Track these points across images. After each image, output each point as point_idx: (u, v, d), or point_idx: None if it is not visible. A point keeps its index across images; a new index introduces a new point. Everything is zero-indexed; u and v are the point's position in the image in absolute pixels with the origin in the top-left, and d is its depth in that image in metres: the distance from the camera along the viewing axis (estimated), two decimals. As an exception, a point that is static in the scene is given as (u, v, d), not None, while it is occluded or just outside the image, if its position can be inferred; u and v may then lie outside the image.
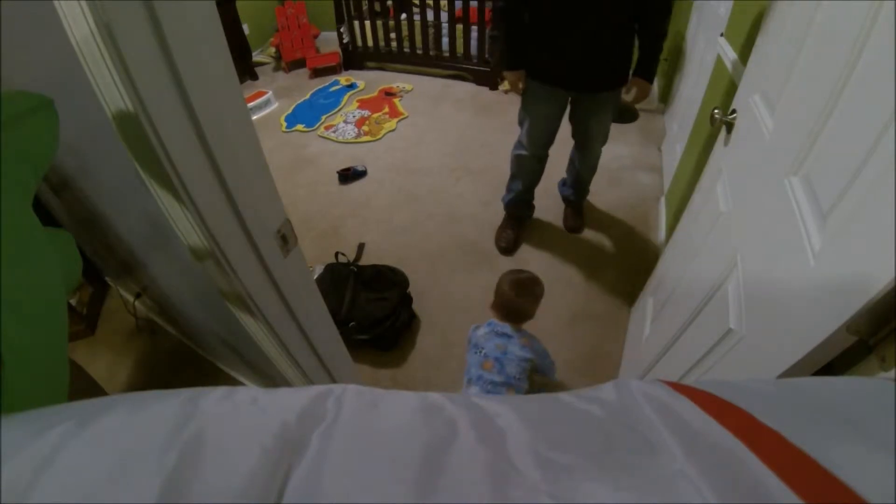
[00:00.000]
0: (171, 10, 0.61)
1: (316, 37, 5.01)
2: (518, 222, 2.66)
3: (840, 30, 0.75)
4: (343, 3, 4.50)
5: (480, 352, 1.60)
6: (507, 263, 2.48)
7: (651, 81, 1.98)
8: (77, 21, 0.58)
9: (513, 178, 2.49)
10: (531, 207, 2.68)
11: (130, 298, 2.08)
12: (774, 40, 1.05)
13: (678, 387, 0.34)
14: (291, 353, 1.20)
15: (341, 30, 4.65)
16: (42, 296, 0.67)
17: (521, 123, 2.27)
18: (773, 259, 0.85)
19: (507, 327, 1.65)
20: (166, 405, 0.29)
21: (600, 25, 1.76)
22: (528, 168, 2.39)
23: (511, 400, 0.35)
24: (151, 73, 0.63)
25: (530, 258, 2.53)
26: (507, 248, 2.57)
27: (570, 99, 2.10)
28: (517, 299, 1.66)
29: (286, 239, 1.03)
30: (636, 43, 1.91)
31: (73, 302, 2.17)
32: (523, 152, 2.33)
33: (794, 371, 0.69)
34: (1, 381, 0.57)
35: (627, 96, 2.08)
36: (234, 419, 0.30)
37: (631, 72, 1.98)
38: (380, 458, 0.27)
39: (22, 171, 0.66)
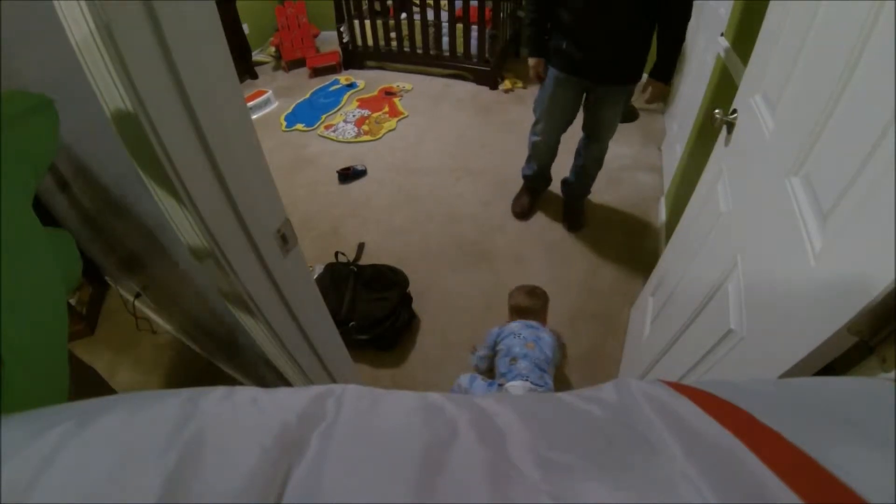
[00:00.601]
0: (171, 10, 0.61)
1: (316, 36, 5.00)
2: (534, 192, 2.85)
3: (841, 30, 0.75)
4: (343, 2, 4.49)
5: (519, 336, 1.70)
6: (506, 264, 2.49)
7: (668, 84, 2.07)
8: (77, 21, 0.58)
9: (528, 158, 2.69)
10: (547, 181, 2.83)
11: (130, 298, 2.08)
12: (775, 40, 1.05)
13: (678, 387, 0.34)
14: (291, 353, 1.20)
15: (341, 29, 4.64)
16: (42, 296, 0.67)
17: (535, 111, 2.39)
18: (773, 259, 0.85)
19: (532, 322, 1.79)
20: (166, 405, 0.30)
21: (621, 24, 1.89)
22: (539, 152, 2.57)
23: (511, 400, 0.35)
24: (151, 73, 0.63)
25: (531, 256, 2.54)
26: (522, 214, 2.80)
27: (584, 90, 2.21)
28: (533, 303, 1.88)
29: (286, 239, 1.03)
30: (652, 45, 2.00)
31: (72, 302, 2.17)
32: (536, 138, 2.49)
33: (795, 372, 0.69)
34: (1, 381, 0.57)
35: (643, 96, 2.16)
36: (233, 419, 0.30)
37: (643, 72, 2.08)
38: (380, 458, 0.27)
39: (22, 171, 0.66)
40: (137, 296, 2.04)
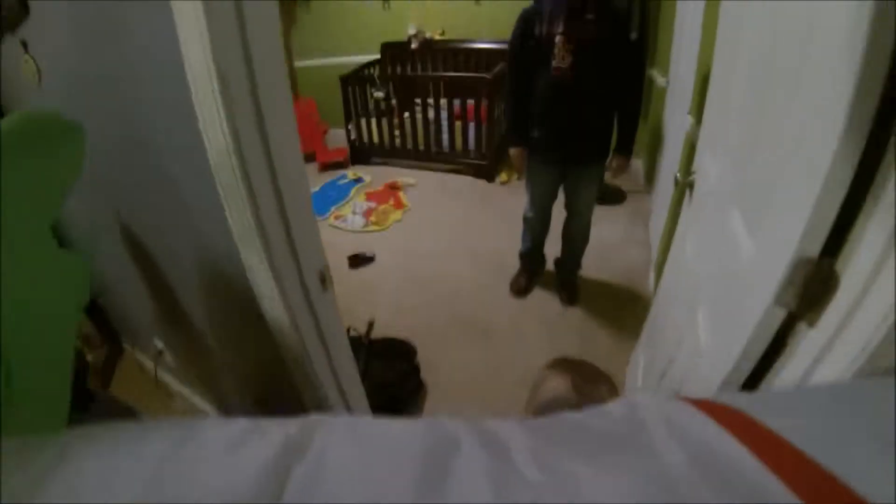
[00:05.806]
0: (267, 78, 0.81)
1: (325, 133, 5.27)
2: (530, 271, 2.99)
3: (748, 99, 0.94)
4: (351, 102, 4.80)
5: None
6: (507, 338, 2.61)
7: (628, 156, 2.29)
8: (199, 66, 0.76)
9: (523, 233, 2.85)
10: (541, 260, 2.99)
11: (150, 362, 2.14)
12: (713, 105, 1.25)
13: (679, 397, 0.35)
14: (316, 379, 1.24)
15: (349, 127, 4.94)
16: (51, 316, 0.71)
17: (526, 190, 2.63)
18: (722, 268, 0.99)
19: None
20: (159, 438, 0.30)
21: (586, 112, 2.17)
22: (532, 226, 2.74)
23: (513, 419, 0.35)
24: (247, 124, 0.81)
25: (529, 330, 2.65)
26: (520, 292, 2.93)
27: (561, 171, 2.43)
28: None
29: (324, 279, 1.17)
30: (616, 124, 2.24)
31: (88, 358, 2.19)
32: (528, 214, 2.69)
33: (743, 360, 0.79)
34: (1, 396, 0.58)
35: (609, 170, 2.36)
36: (230, 446, 0.29)
37: (610, 149, 2.30)
38: (381, 459, 0.27)
39: (47, 194, 0.72)
40: (160, 353, 2.07)
